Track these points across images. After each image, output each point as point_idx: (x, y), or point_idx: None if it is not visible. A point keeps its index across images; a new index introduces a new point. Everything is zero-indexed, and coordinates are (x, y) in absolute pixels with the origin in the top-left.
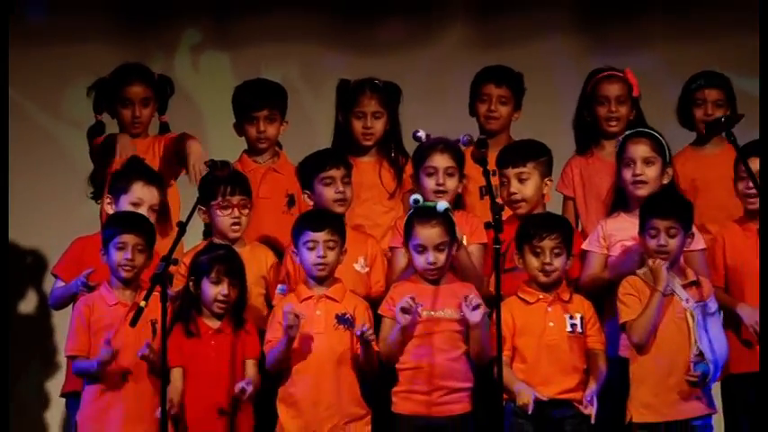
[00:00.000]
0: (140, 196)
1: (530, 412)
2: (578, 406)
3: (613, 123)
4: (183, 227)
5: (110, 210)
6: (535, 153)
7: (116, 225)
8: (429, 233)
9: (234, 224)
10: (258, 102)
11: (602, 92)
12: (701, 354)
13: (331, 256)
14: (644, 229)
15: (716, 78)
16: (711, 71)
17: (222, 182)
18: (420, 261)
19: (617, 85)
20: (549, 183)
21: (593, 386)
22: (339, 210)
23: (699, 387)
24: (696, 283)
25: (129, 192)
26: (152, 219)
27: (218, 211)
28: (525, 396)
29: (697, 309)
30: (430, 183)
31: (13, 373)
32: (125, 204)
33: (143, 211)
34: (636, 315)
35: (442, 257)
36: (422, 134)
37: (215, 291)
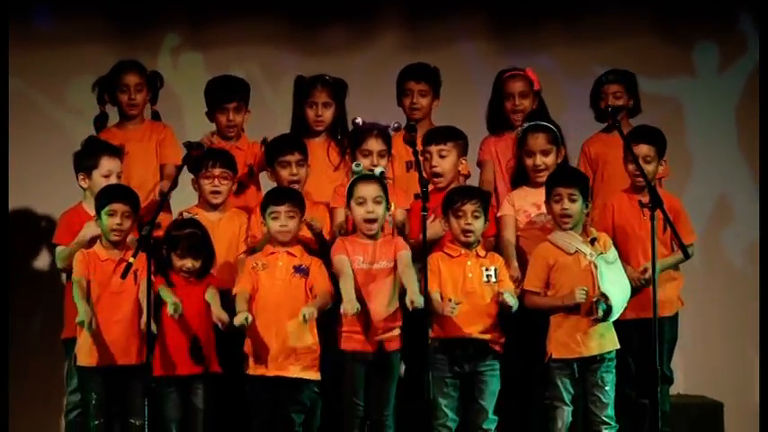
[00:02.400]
0: (109, 168)
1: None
2: (492, 345)
3: (518, 115)
4: (164, 196)
5: (84, 185)
6: (455, 135)
7: (107, 195)
8: (368, 188)
9: (214, 192)
10: (229, 95)
11: (507, 89)
12: (603, 295)
13: (291, 224)
14: (549, 196)
15: (614, 75)
16: (616, 69)
17: (207, 157)
18: (360, 212)
19: (520, 82)
20: (464, 161)
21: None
22: (295, 186)
23: (601, 322)
24: (596, 240)
25: (99, 166)
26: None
27: (203, 181)
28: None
29: (599, 260)
30: (365, 162)
31: (23, 323)
32: (98, 178)
33: (113, 179)
34: (534, 286)
35: (378, 210)
36: (359, 120)
37: (180, 263)
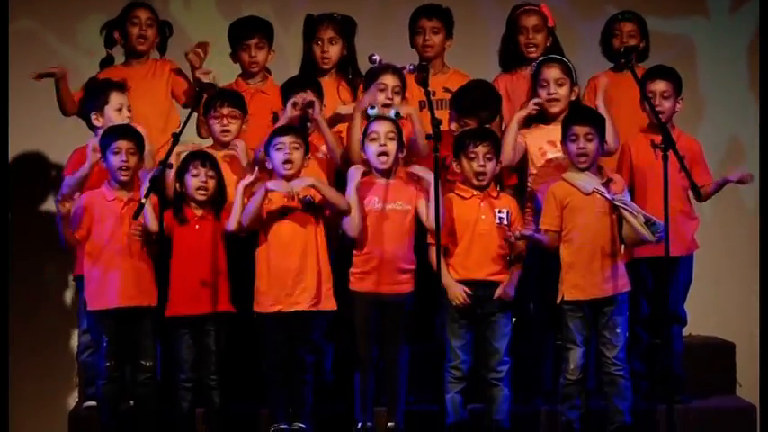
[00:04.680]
0: (120, 102)
1: (464, 302)
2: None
3: (532, 49)
4: (176, 137)
5: (98, 123)
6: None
7: (111, 134)
8: (382, 124)
9: (223, 131)
10: (249, 32)
11: (521, 23)
12: (649, 219)
13: (296, 155)
14: (566, 136)
15: (630, 14)
16: (631, 10)
17: (215, 97)
18: (372, 148)
19: (534, 17)
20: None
21: (515, 272)
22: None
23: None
24: (611, 181)
25: (110, 102)
26: (130, 117)
27: (212, 121)
28: (458, 295)
29: (619, 200)
30: (380, 97)
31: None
32: (111, 112)
33: (125, 113)
34: (550, 225)
35: (391, 146)
36: (376, 57)
37: (195, 181)
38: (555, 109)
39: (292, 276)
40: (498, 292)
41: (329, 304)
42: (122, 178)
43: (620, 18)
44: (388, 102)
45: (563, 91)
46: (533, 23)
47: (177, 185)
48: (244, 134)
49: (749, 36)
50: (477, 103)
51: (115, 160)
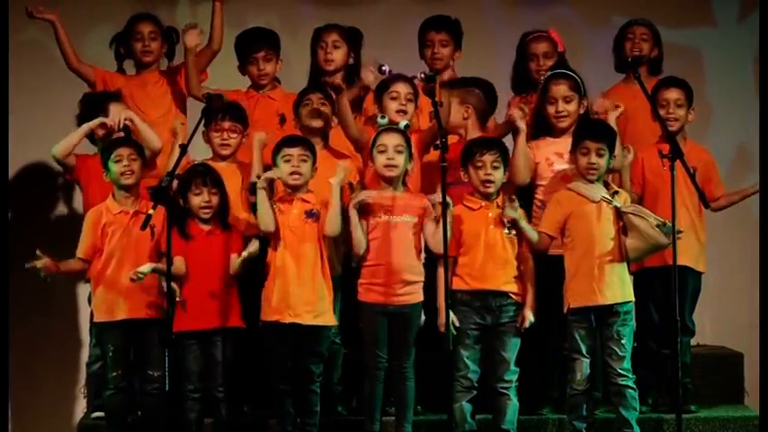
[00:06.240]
0: (119, 111)
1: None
2: (514, 297)
3: (543, 75)
4: (184, 148)
5: (99, 132)
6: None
7: (110, 145)
8: (390, 136)
9: (222, 144)
10: (256, 45)
11: (531, 50)
12: (659, 221)
13: (304, 167)
14: (576, 148)
15: (643, 19)
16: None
17: (217, 110)
18: (381, 160)
19: (544, 43)
20: (468, 110)
21: (530, 299)
22: (315, 124)
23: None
24: (617, 193)
25: (109, 114)
26: (132, 128)
27: (212, 134)
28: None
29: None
30: (393, 105)
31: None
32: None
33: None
34: (548, 230)
35: (399, 159)
36: (386, 68)
37: (198, 200)
38: (563, 124)
39: (296, 288)
40: (524, 325)
41: (329, 320)
42: (126, 181)
43: (633, 22)
44: (402, 108)
45: (571, 107)
46: (543, 50)
47: (180, 201)
48: (244, 146)
49: (756, 45)
50: (470, 80)
51: (117, 167)
